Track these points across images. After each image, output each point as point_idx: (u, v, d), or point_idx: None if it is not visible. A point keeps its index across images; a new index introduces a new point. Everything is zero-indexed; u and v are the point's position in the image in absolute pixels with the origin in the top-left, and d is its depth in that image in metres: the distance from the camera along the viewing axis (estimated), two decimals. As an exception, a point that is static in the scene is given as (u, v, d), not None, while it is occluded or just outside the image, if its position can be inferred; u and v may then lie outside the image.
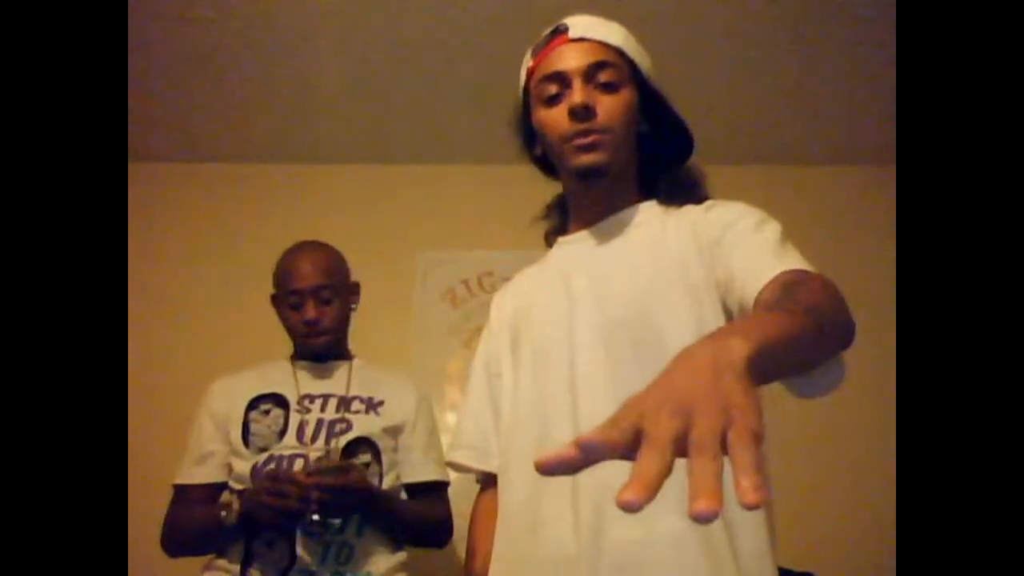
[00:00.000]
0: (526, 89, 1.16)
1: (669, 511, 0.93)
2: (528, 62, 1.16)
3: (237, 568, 1.51)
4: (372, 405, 1.68)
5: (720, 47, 2.24)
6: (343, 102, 2.47)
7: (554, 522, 0.99)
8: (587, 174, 1.09)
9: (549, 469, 0.49)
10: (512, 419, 1.11)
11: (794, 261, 0.95)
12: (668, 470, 0.46)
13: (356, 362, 1.78)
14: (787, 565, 1.94)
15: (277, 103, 2.48)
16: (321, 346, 1.70)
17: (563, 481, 0.98)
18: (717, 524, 0.93)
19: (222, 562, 1.54)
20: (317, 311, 1.67)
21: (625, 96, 1.10)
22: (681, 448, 0.48)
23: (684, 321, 1.00)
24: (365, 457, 1.62)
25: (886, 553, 2.04)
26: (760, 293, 0.90)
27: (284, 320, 1.72)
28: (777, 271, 0.91)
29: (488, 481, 1.19)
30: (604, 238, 1.13)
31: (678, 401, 0.50)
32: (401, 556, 1.63)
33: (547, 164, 1.18)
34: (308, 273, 1.68)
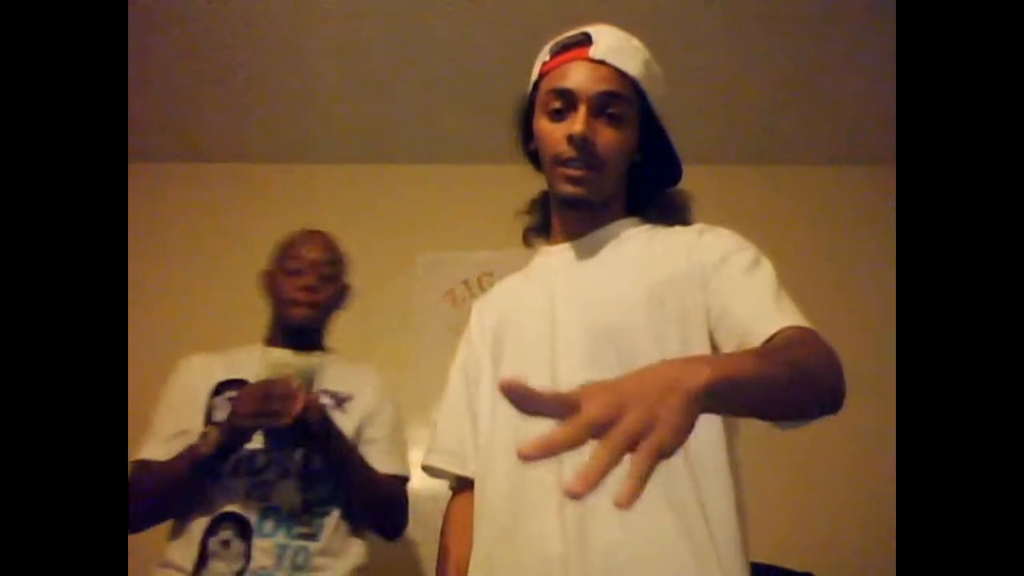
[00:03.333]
0: (535, 85, 1.15)
1: (656, 511, 0.94)
2: (544, 57, 1.14)
3: (190, 568, 1.46)
4: (340, 400, 1.64)
5: (720, 46, 2.24)
6: (343, 102, 2.47)
7: (538, 522, 0.98)
8: (570, 203, 1.11)
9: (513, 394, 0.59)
10: (492, 422, 1.11)
11: (793, 315, 0.96)
12: (577, 444, 0.57)
13: (328, 355, 1.74)
14: (787, 565, 1.94)
15: (277, 103, 2.48)
16: (307, 320, 1.67)
17: (546, 481, 0.98)
18: (699, 521, 0.95)
19: (176, 559, 1.48)
20: (318, 280, 1.67)
21: (627, 133, 1.09)
22: (597, 434, 0.57)
23: (668, 334, 1.01)
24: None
25: (886, 553, 2.04)
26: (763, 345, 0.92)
27: (275, 290, 1.70)
28: (779, 326, 0.93)
29: (462, 485, 1.18)
30: (589, 251, 1.13)
31: (621, 396, 0.59)
32: (359, 559, 1.59)
33: (539, 160, 1.18)
34: (316, 247, 1.70)
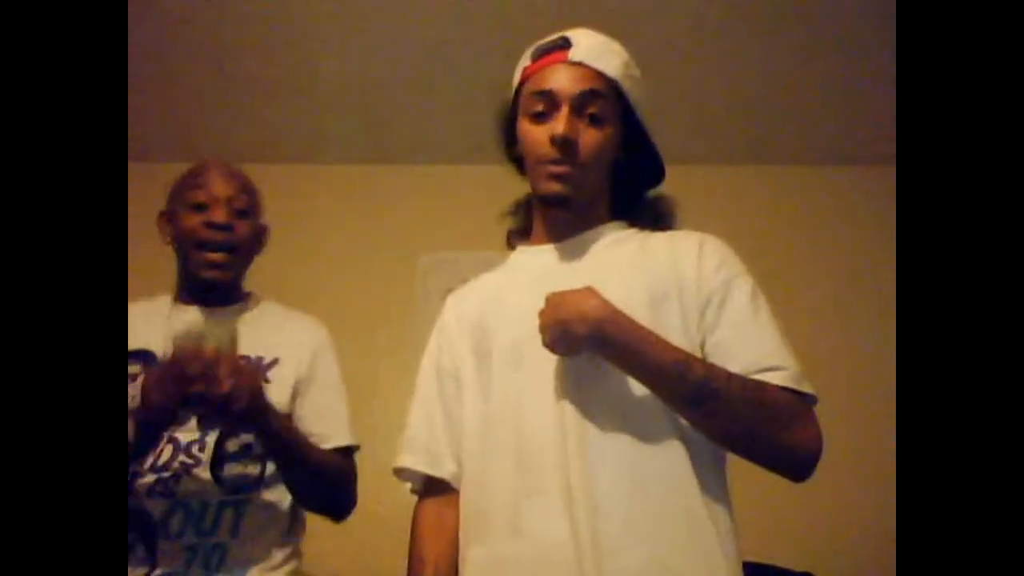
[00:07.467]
0: (517, 90, 1.15)
1: (667, 516, 0.95)
2: (525, 61, 1.15)
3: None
4: (263, 369, 1.36)
5: (719, 46, 2.24)
6: (343, 102, 2.47)
7: (547, 523, 0.97)
8: (552, 202, 1.11)
9: None
10: (485, 420, 1.08)
11: (791, 361, 1.02)
12: None
13: (250, 306, 1.45)
14: (787, 565, 1.94)
15: (277, 103, 2.48)
16: (220, 273, 1.36)
17: (552, 482, 0.98)
18: (708, 527, 0.97)
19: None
20: (230, 218, 1.36)
21: (608, 132, 1.10)
22: None
23: (669, 339, 1.01)
24: (248, 438, 1.30)
25: (886, 553, 2.04)
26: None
27: (177, 235, 1.38)
28: (774, 377, 1.00)
29: (432, 488, 1.15)
30: (577, 254, 1.13)
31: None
32: (287, 557, 1.37)
33: (523, 165, 1.18)
34: (223, 180, 1.38)
